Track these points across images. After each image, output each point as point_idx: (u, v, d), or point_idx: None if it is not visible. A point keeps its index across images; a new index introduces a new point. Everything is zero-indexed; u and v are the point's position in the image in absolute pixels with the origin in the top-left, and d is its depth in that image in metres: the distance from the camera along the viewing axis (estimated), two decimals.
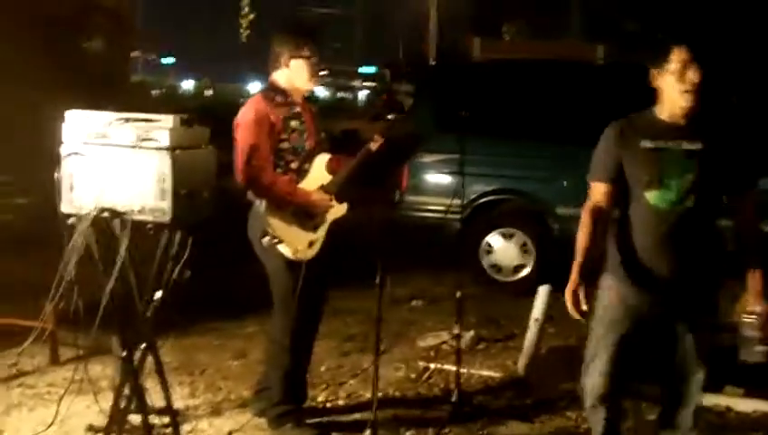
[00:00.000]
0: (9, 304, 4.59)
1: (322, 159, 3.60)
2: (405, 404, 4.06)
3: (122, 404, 3.15)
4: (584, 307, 2.73)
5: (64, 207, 2.94)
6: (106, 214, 2.91)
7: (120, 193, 2.90)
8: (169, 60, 48.33)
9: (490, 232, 6.42)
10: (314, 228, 3.54)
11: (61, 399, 3.24)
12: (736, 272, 2.82)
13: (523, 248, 6.34)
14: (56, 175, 2.94)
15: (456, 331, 4.13)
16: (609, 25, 17.83)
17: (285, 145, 3.51)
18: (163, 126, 2.89)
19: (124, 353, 3.06)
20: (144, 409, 3.12)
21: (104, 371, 4.05)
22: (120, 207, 2.90)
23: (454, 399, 3.96)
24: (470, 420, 3.83)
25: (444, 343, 4.88)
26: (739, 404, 4.08)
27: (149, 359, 3.18)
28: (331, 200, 3.57)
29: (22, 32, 10.00)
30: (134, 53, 18.56)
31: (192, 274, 3.05)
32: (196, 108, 18.23)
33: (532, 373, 4.39)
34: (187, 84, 34.49)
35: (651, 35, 15.43)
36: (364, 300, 4.77)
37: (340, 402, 4.07)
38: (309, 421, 3.67)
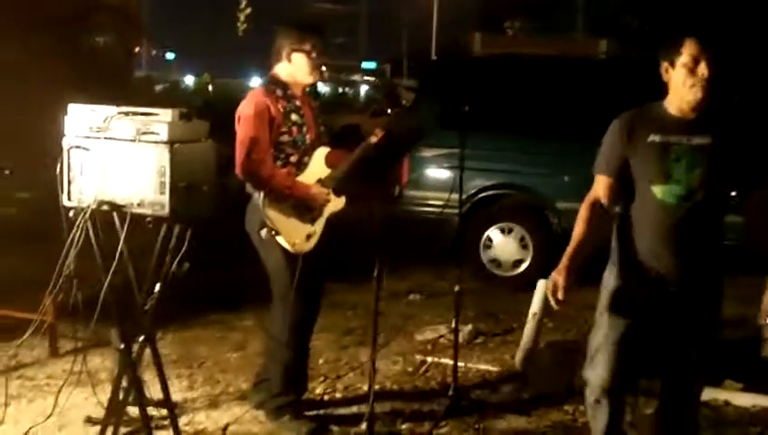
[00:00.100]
0: (10, 296, 4.60)
1: (322, 153, 3.61)
2: (402, 397, 4.07)
3: (120, 396, 3.17)
4: (560, 296, 2.71)
5: (65, 201, 2.96)
6: (105, 207, 2.93)
7: (119, 186, 2.91)
8: (171, 55, 48.36)
9: (490, 227, 6.44)
10: (312, 221, 3.55)
11: (59, 390, 3.26)
12: (743, 268, 2.80)
13: (522, 243, 6.36)
14: (57, 168, 2.96)
15: (453, 325, 4.14)
16: (612, 21, 17.80)
17: (285, 138, 3.52)
18: (162, 120, 2.91)
19: (122, 346, 3.08)
20: (142, 401, 3.14)
21: (103, 363, 4.08)
22: (120, 201, 2.92)
23: (451, 392, 3.98)
24: (467, 414, 3.84)
25: (442, 336, 4.90)
26: (738, 399, 4.09)
27: (148, 351, 3.20)
28: (329, 194, 3.58)
29: (28, 29, 10.03)
30: (137, 49, 18.59)
31: (192, 267, 3.06)
32: (197, 103, 18.27)
33: (529, 368, 4.40)
34: (189, 80, 34.49)
35: (654, 30, 15.44)
36: (364, 294, 4.78)
37: (338, 395, 4.09)
38: (307, 414, 3.69)
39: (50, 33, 10.37)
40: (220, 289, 5.69)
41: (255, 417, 3.69)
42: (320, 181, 3.57)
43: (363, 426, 3.45)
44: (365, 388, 3.75)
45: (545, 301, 4.53)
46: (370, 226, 3.53)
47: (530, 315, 4.51)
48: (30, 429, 3.44)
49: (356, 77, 23.68)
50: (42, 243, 4.13)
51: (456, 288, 4.09)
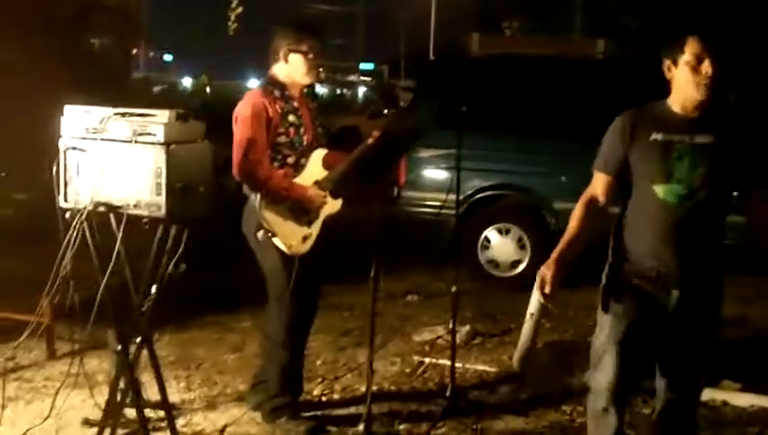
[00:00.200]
0: (7, 298, 4.60)
1: (319, 155, 3.61)
2: (400, 398, 4.07)
3: (118, 398, 3.17)
4: (547, 290, 2.69)
5: (61, 202, 2.96)
6: (102, 208, 2.93)
7: (116, 188, 2.91)
8: (169, 57, 48.38)
9: (488, 227, 6.44)
10: (309, 224, 3.55)
11: (57, 392, 3.26)
12: (743, 268, 2.77)
13: (520, 244, 6.36)
14: (53, 169, 2.95)
15: (451, 326, 4.14)
16: (609, 21, 17.80)
17: (282, 139, 3.51)
18: (159, 121, 2.90)
19: (119, 347, 3.08)
20: (139, 402, 3.13)
21: (100, 365, 4.08)
22: (116, 202, 2.92)
23: (448, 393, 3.98)
24: (465, 415, 3.84)
25: (439, 337, 4.90)
26: (736, 399, 4.09)
27: (146, 353, 3.19)
28: (326, 196, 3.57)
29: (27, 29, 10.03)
30: (135, 50, 18.59)
31: (189, 268, 3.06)
32: (194, 104, 18.26)
33: (527, 368, 4.40)
34: (187, 81, 34.54)
35: (654, 30, 15.44)
36: (361, 295, 4.77)
37: (336, 396, 4.08)
38: (304, 415, 3.69)
39: (49, 33, 10.38)
40: (217, 290, 5.69)
41: (253, 418, 3.69)
42: (317, 183, 3.56)
43: (361, 427, 3.45)
44: (363, 389, 3.76)
45: (543, 302, 4.54)
46: (368, 227, 3.53)
47: (527, 316, 4.50)
48: (27, 431, 3.44)
49: (352, 77, 23.71)
50: (38, 244, 4.12)
51: (454, 289, 4.08)
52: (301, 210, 3.51)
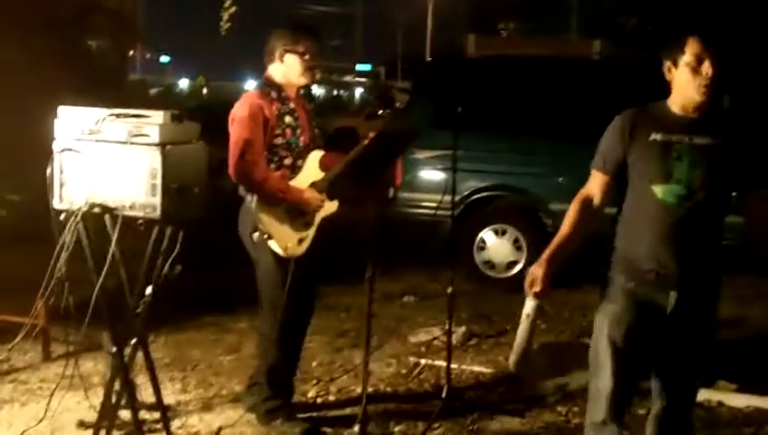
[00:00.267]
0: (2, 300, 4.59)
1: (316, 156, 3.60)
2: (395, 399, 4.07)
3: (113, 400, 3.16)
4: (536, 289, 2.69)
5: (56, 203, 2.95)
6: (97, 210, 2.93)
7: (111, 189, 2.90)
8: (166, 58, 48.35)
9: (484, 228, 6.44)
10: (305, 226, 3.55)
11: (51, 394, 3.25)
12: (741, 268, 2.76)
13: (516, 245, 6.37)
14: (48, 171, 2.95)
15: (447, 327, 4.14)
16: (605, 22, 17.83)
17: (279, 141, 3.51)
18: (153, 122, 2.90)
19: (114, 349, 3.07)
20: (134, 404, 3.13)
21: (96, 366, 4.07)
22: (111, 203, 2.91)
23: (444, 394, 3.97)
24: (460, 416, 3.84)
25: (435, 338, 4.90)
26: (732, 399, 4.09)
27: (141, 354, 3.19)
28: (323, 199, 3.57)
29: (24, 30, 10.01)
30: (131, 52, 18.59)
31: (185, 269, 3.06)
32: (190, 105, 18.26)
33: (523, 369, 4.40)
34: (184, 83, 34.50)
35: (652, 30, 15.46)
36: (357, 296, 4.77)
37: (332, 398, 4.08)
38: (299, 416, 3.68)
39: (48, 34, 10.35)
40: (214, 291, 5.68)
41: (249, 420, 3.68)
42: (313, 184, 3.56)
43: (356, 428, 3.45)
44: (358, 390, 3.75)
45: (538, 303, 4.54)
46: (364, 228, 3.53)
47: (523, 317, 4.50)
48: (22, 432, 3.43)
49: (348, 78, 23.71)
50: (33, 246, 4.12)
51: (449, 290, 4.09)
52: (297, 212, 3.51)
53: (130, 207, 2.89)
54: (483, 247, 6.44)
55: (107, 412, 3.17)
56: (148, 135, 2.87)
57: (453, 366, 4.17)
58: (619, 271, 2.78)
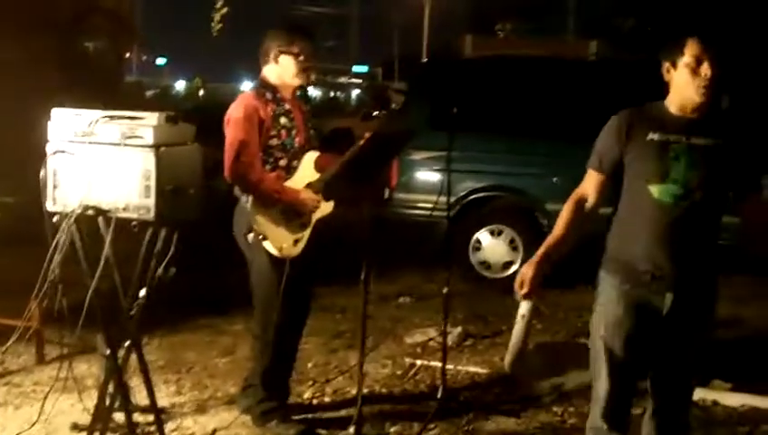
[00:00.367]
0: None
1: (311, 157, 3.60)
2: (391, 400, 4.07)
3: (107, 402, 3.16)
4: (525, 289, 2.68)
5: (49, 206, 2.94)
6: (91, 212, 2.92)
7: (104, 191, 2.90)
8: (162, 60, 48.36)
9: (480, 229, 6.44)
10: (300, 226, 3.54)
11: (45, 397, 3.24)
12: (737, 268, 2.75)
13: (512, 245, 6.37)
14: (41, 173, 2.94)
15: (442, 327, 4.14)
16: (602, 23, 17.86)
17: (274, 142, 3.51)
18: (147, 123, 2.90)
19: (108, 352, 3.06)
20: (128, 407, 3.12)
21: (90, 369, 4.06)
22: (105, 205, 2.91)
23: (440, 395, 3.97)
24: (456, 416, 3.84)
25: (431, 339, 4.89)
26: (726, 398, 4.09)
27: (136, 357, 3.18)
28: (319, 200, 3.56)
29: (18, 32, 9.99)
30: (128, 54, 18.58)
31: (180, 271, 3.05)
32: (186, 107, 18.25)
33: (518, 369, 4.39)
34: (180, 84, 34.53)
35: (651, 31, 15.47)
36: (353, 297, 4.76)
37: (327, 399, 4.08)
38: (294, 418, 3.68)
39: (44, 35, 10.33)
40: (209, 293, 5.67)
41: (244, 422, 3.67)
42: (309, 185, 3.55)
43: (351, 429, 3.44)
44: (354, 391, 3.75)
45: (534, 303, 4.54)
46: (360, 228, 3.52)
47: (518, 317, 4.50)
48: None
49: (343, 79, 23.74)
50: (27, 248, 4.11)
51: (445, 291, 4.08)
52: (292, 213, 3.50)
53: (124, 209, 2.89)
54: (479, 248, 6.44)
55: (101, 415, 3.17)
56: (142, 137, 2.87)
57: (448, 367, 4.16)
58: (614, 271, 2.77)
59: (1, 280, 5.36)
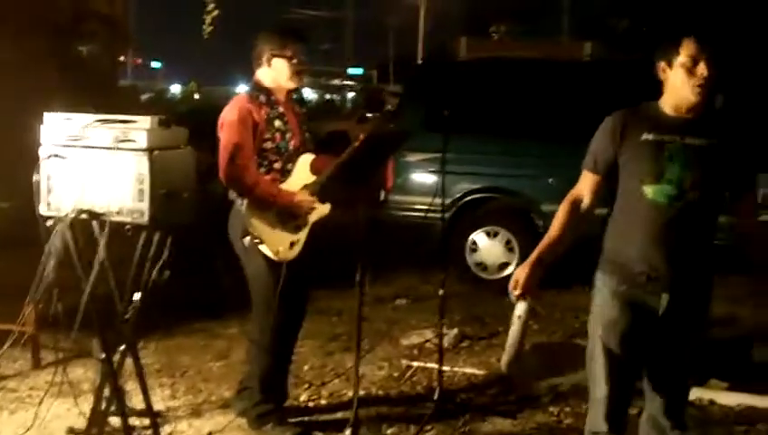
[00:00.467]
0: None
1: (306, 160, 3.59)
2: (387, 403, 4.06)
3: (102, 406, 3.15)
4: (518, 292, 2.68)
5: (43, 210, 2.94)
6: (84, 216, 2.91)
7: (98, 195, 2.89)
8: (157, 64, 48.34)
9: (475, 230, 6.45)
10: (296, 229, 3.54)
11: (41, 401, 3.23)
12: (732, 268, 2.75)
13: (508, 246, 6.37)
14: (35, 177, 2.94)
15: (439, 329, 4.14)
16: (597, 24, 17.90)
17: (269, 145, 3.50)
18: (140, 127, 2.89)
19: (103, 355, 3.05)
20: (123, 411, 3.11)
21: (86, 373, 4.05)
22: (99, 209, 2.90)
23: (436, 396, 3.97)
24: (452, 418, 3.83)
25: (427, 341, 4.89)
26: (723, 398, 4.09)
27: (131, 361, 3.17)
28: (314, 202, 3.56)
29: (13, 34, 9.98)
30: (122, 58, 18.59)
31: (174, 275, 3.04)
32: (181, 110, 18.24)
33: (515, 370, 4.39)
34: (176, 88, 34.54)
35: (646, 32, 15.51)
36: (349, 300, 4.75)
37: (323, 402, 4.07)
38: (291, 420, 3.67)
39: (39, 38, 10.32)
40: (204, 297, 5.66)
41: (239, 425, 3.66)
42: (305, 188, 3.55)
43: (348, 432, 3.44)
44: (350, 394, 3.74)
45: (530, 304, 4.54)
46: (355, 231, 3.52)
47: (515, 318, 4.50)
48: None
49: (336, 81, 23.76)
50: (23, 252, 4.10)
51: (441, 292, 4.08)
52: (288, 216, 3.50)
53: (118, 213, 2.88)
54: (475, 249, 6.45)
55: (96, 419, 3.16)
56: (134, 140, 2.86)
57: (445, 368, 4.17)
58: (610, 272, 2.76)
59: None
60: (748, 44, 12.50)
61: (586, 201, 2.78)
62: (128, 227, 2.90)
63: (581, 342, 2.86)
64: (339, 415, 3.84)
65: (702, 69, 2.60)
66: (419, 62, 18.68)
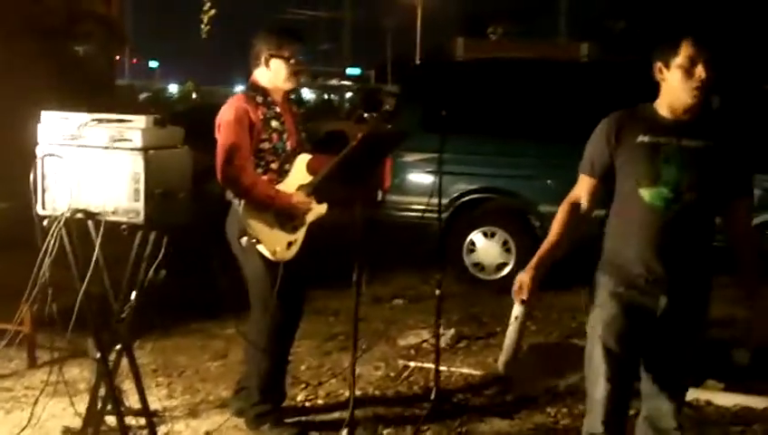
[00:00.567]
0: None
1: (303, 160, 3.59)
2: (384, 403, 4.06)
3: (98, 406, 3.14)
4: (524, 296, 2.69)
5: (39, 209, 2.93)
6: (80, 215, 2.91)
7: (94, 194, 2.89)
8: (154, 63, 48.31)
9: (473, 230, 6.45)
10: (293, 229, 3.53)
11: (36, 401, 3.23)
12: (730, 269, 2.75)
13: (505, 247, 6.37)
14: (31, 177, 2.93)
15: (436, 329, 4.13)
16: (594, 25, 17.94)
17: (266, 145, 3.49)
18: (136, 126, 2.89)
19: (99, 355, 3.05)
20: (119, 410, 3.11)
21: (81, 373, 4.05)
22: (95, 209, 2.90)
23: (433, 397, 3.97)
24: (449, 418, 3.83)
25: (424, 341, 4.89)
26: (719, 398, 4.10)
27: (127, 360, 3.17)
28: (311, 202, 3.56)
29: (8, 35, 9.97)
30: (118, 57, 18.57)
31: (170, 275, 3.04)
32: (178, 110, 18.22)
33: (512, 371, 4.39)
34: (174, 88, 34.49)
35: (641, 33, 15.53)
36: (346, 300, 4.74)
37: (320, 402, 4.07)
38: (288, 421, 3.67)
39: (34, 38, 10.31)
40: (201, 297, 5.64)
41: (236, 425, 3.66)
42: (302, 188, 3.54)
43: (344, 432, 3.43)
44: (347, 394, 3.73)
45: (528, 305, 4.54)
46: (352, 230, 3.51)
47: (512, 319, 4.50)
48: None
49: (334, 81, 23.74)
50: (20, 252, 4.09)
51: (438, 292, 4.08)
52: (286, 216, 3.49)
53: (113, 213, 2.88)
54: (472, 250, 6.45)
55: (92, 419, 3.16)
56: (130, 140, 2.86)
57: (442, 368, 4.17)
58: (609, 274, 2.76)
59: None
60: (744, 45, 12.53)
61: (584, 205, 2.78)
62: (123, 226, 2.89)
63: (578, 342, 2.86)
64: (335, 415, 3.83)
65: (700, 71, 2.59)
66: (417, 62, 18.68)
